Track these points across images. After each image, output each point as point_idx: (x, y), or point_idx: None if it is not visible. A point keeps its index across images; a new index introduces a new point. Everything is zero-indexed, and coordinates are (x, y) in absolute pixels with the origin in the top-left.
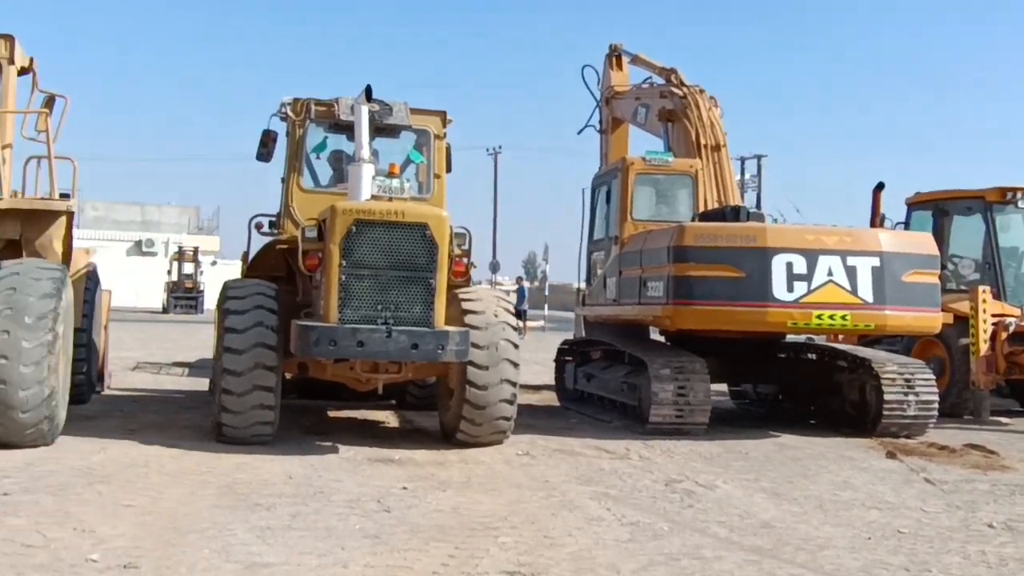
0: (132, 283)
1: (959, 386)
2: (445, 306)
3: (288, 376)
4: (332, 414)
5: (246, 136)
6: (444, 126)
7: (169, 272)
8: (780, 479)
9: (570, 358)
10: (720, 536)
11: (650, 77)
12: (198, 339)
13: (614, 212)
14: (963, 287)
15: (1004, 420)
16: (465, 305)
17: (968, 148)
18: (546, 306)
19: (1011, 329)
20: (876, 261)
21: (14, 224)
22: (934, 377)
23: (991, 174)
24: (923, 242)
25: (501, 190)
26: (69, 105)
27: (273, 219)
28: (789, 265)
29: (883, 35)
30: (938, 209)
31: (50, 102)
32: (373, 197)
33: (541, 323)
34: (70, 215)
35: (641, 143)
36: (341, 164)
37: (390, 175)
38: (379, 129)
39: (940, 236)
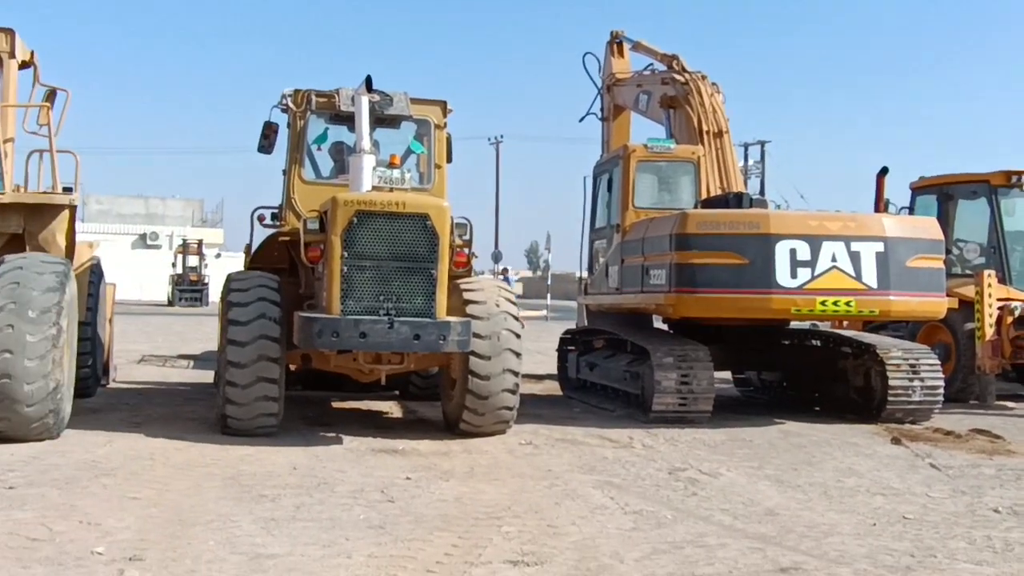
0: (137, 276)
1: (965, 371)
2: (447, 296)
3: (292, 368)
4: (335, 405)
5: (248, 128)
6: (444, 116)
7: (174, 265)
8: (784, 466)
9: (573, 347)
10: (724, 524)
11: (651, 64)
12: (203, 331)
13: (616, 200)
14: (968, 271)
15: (1010, 405)
16: (467, 295)
17: (974, 131)
18: (548, 295)
19: (1016, 313)
20: (880, 246)
21: (17, 218)
22: (939, 362)
23: (1000, 157)
24: (928, 227)
25: (503, 180)
26: (70, 99)
27: (275, 211)
28: (793, 251)
29: (885, 17)
30: (942, 193)
31: (51, 96)
32: (374, 188)
33: (544, 312)
34: (72, 209)
35: (643, 130)
36: (342, 155)
37: (391, 166)
38: (380, 120)
39: (945, 221)
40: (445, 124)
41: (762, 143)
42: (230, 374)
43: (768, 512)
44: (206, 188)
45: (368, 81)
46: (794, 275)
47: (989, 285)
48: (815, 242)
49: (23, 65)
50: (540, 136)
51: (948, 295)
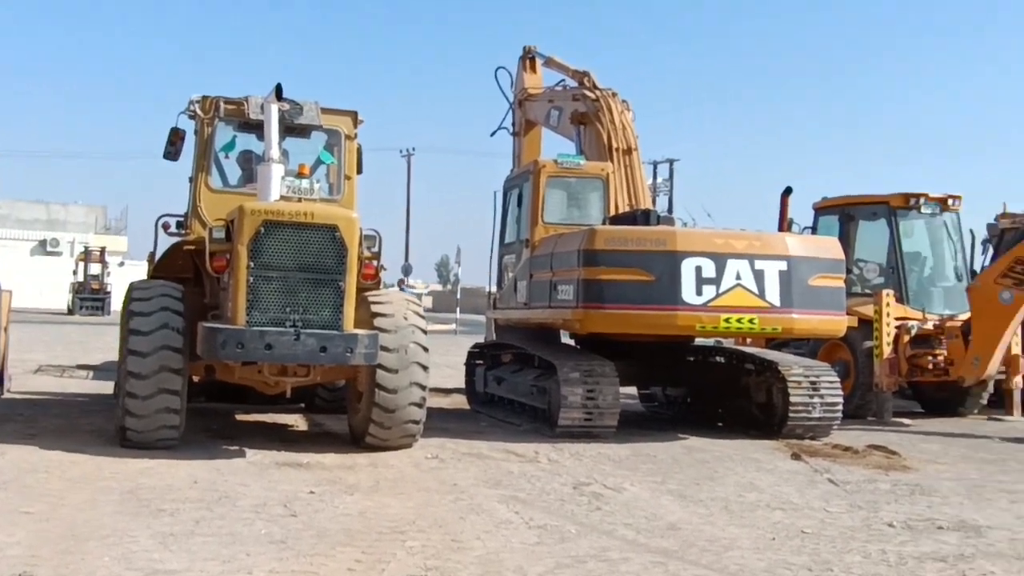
0: (36, 283)
1: (863, 388)
2: (354, 309)
3: (195, 379)
4: (239, 417)
5: (155, 134)
6: (355, 126)
7: (75, 272)
8: (687, 481)
9: (480, 361)
10: (627, 538)
11: (563, 80)
12: (104, 341)
13: (525, 215)
14: (868, 291)
15: (906, 421)
16: (375, 308)
17: (877, 152)
18: (458, 309)
19: (913, 333)
20: (783, 265)
21: None
22: (839, 379)
23: (901, 178)
24: (829, 246)
25: (414, 192)
26: None
27: (181, 219)
28: (698, 269)
29: (796, 35)
30: (844, 214)
31: None
32: (282, 198)
33: (453, 326)
34: None
35: (554, 146)
36: (250, 164)
37: (300, 176)
38: (289, 129)
39: (846, 241)
40: (356, 135)
41: (671, 161)
42: (130, 385)
43: (670, 527)
44: (110, 194)
45: (278, 89)
46: (699, 292)
47: (887, 304)
48: (720, 260)
49: None
50: (452, 149)
51: (848, 314)
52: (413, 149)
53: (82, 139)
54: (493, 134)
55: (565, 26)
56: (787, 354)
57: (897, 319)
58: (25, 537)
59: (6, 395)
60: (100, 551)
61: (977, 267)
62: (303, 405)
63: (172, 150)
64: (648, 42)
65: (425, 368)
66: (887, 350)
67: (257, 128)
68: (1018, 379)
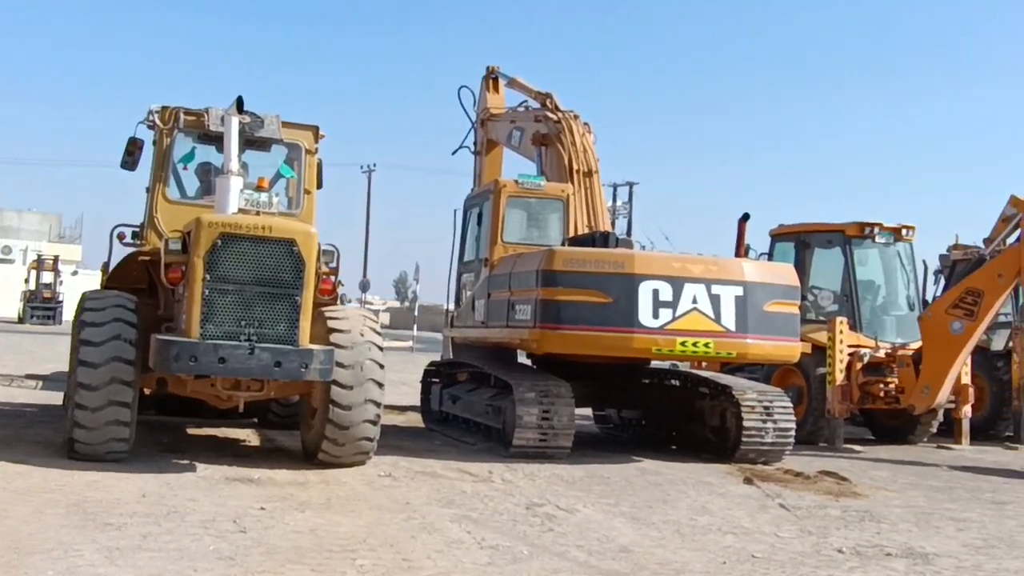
0: None
1: (815, 414)
2: (311, 324)
3: (146, 391)
4: (191, 431)
5: (113, 143)
6: (316, 141)
7: (27, 281)
8: (640, 504)
9: (437, 379)
10: (579, 560)
11: (526, 101)
12: (54, 351)
13: (485, 234)
14: (822, 318)
15: (857, 448)
16: (331, 323)
17: (829, 181)
18: (415, 326)
19: (866, 360)
20: (740, 290)
21: None
22: (792, 405)
23: (856, 207)
24: (785, 273)
25: (374, 208)
26: None
27: (137, 229)
28: (655, 292)
29: (756, 61)
30: (800, 241)
31: None
32: (240, 211)
33: (410, 344)
34: None
35: (515, 166)
36: (209, 176)
37: (259, 189)
38: (249, 142)
39: (801, 267)
40: (316, 149)
41: (631, 184)
42: (80, 396)
43: (622, 549)
44: (65, 203)
45: (239, 102)
46: (656, 315)
47: (841, 332)
48: (677, 283)
49: None
50: (413, 166)
51: (802, 340)
52: (374, 165)
53: (38, 146)
54: (455, 152)
55: (528, 47)
56: (741, 379)
57: (850, 346)
58: None
59: None
60: (44, 565)
61: (929, 297)
62: (256, 420)
63: (130, 160)
64: (612, 66)
65: (380, 385)
66: (840, 377)
67: (217, 140)
68: (967, 408)
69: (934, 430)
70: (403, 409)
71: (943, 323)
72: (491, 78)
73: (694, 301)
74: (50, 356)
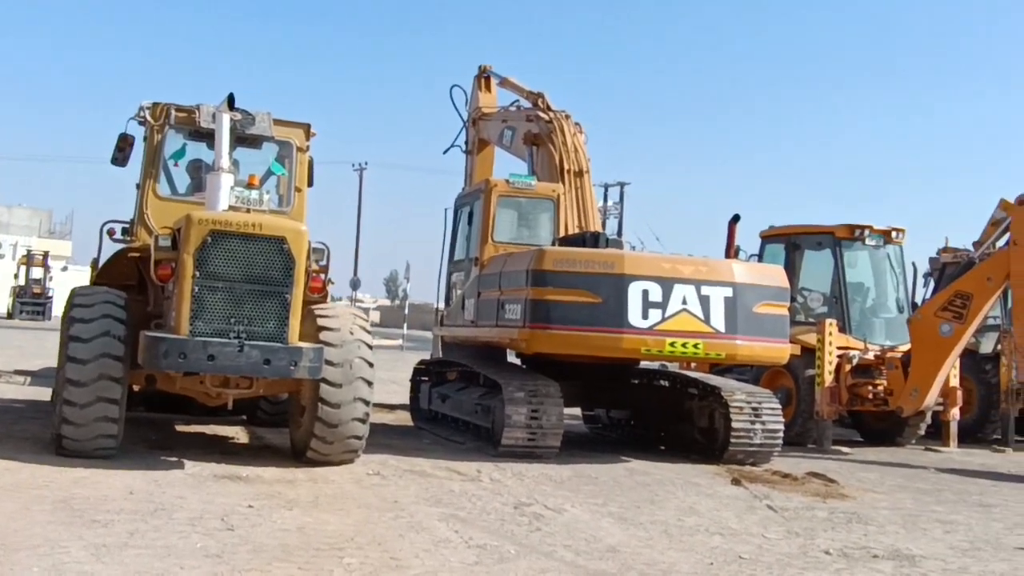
0: None
1: (804, 416)
2: (300, 322)
3: (135, 388)
4: (180, 428)
5: (105, 139)
6: (308, 139)
7: (16, 276)
8: (628, 504)
9: (426, 378)
10: (566, 560)
11: (517, 100)
12: (43, 347)
13: (475, 233)
14: (811, 320)
15: (845, 449)
16: (321, 322)
17: (825, 183)
18: (405, 325)
19: (854, 362)
20: (729, 292)
21: None
22: (780, 406)
23: (847, 209)
24: (774, 274)
25: (365, 207)
26: None
27: (127, 226)
28: (645, 292)
29: (749, 63)
30: (790, 243)
31: None
32: (231, 208)
33: (400, 342)
34: None
35: (506, 166)
36: (199, 173)
37: (249, 186)
38: (241, 139)
39: (791, 269)
40: (308, 147)
41: (622, 184)
42: (68, 392)
43: (610, 549)
44: (56, 198)
45: (230, 99)
46: (645, 316)
47: (830, 334)
48: (667, 284)
49: None
50: (405, 165)
51: (791, 342)
52: (366, 164)
53: (29, 142)
54: (446, 152)
55: (521, 47)
56: (730, 380)
57: (839, 348)
58: None
59: None
60: (30, 561)
61: (919, 300)
62: (244, 417)
63: (121, 156)
64: (608, 66)
65: (370, 383)
66: (828, 379)
67: (208, 137)
68: (955, 411)
69: (922, 432)
70: (392, 408)
71: (932, 326)
72: (483, 77)
73: (683, 302)
74: (39, 352)
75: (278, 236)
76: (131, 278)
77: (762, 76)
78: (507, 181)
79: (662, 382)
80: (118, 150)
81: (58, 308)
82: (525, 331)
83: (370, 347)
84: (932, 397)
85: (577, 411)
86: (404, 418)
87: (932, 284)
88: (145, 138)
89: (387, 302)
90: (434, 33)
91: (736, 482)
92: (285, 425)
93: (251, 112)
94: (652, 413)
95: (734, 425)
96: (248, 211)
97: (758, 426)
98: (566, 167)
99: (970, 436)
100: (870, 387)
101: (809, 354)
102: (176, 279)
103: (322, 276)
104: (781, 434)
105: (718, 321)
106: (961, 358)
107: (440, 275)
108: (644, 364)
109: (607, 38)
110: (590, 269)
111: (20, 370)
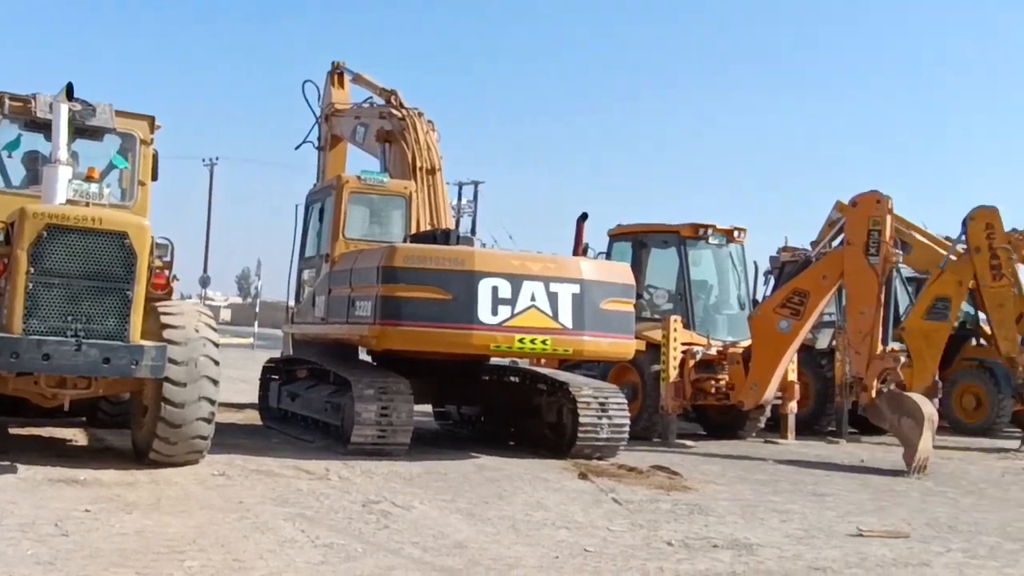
0: None
1: (650, 410)
2: (143, 319)
3: None
4: (13, 431)
5: None
6: (152, 131)
7: None
8: (476, 500)
9: (276, 376)
10: (413, 557)
11: (371, 97)
12: None
13: (327, 230)
14: (657, 316)
15: (689, 443)
16: (164, 319)
17: (671, 182)
18: (256, 323)
19: (698, 358)
20: (576, 288)
21: None
22: (627, 401)
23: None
24: (621, 271)
25: (218, 203)
26: None
27: None
28: (495, 289)
29: (605, 62)
30: (637, 241)
31: None
32: (69, 201)
33: (251, 340)
34: None
35: (359, 162)
36: (36, 165)
37: (89, 179)
38: (80, 130)
39: (638, 267)
40: (152, 140)
41: (476, 183)
42: None
43: (457, 545)
44: None
45: (69, 88)
46: (495, 312)
47: (675, 330)
48: (516, 281)
49: None
50: (257, 160)
51: (637, 338)
52: (216, 159)
53: None
54: (298, 147)
55: (375, 44)
56: (578, 375)
57: (683, 344)
58: None
59: None
60: None
61: (759, 297)
62: (84, 419)
63: None
64: (458, 65)
65: (215, 382)
66: (673, 374)
67: (45, 128)
68: (793, 404)
69: (762, 425)
70: (241, 407)
71: (771, 322)
72: (336, 73)
73: (532, 298)
74: None
75: (119, 231)
76: None
77: (616, 78)
78: (359, 178)
79: (512, 378)
80: None
81: None
82: (376, 328)
83: (216, 345)
84: (771, 391)
85: (428, 407)
86: (253, 417)
87: (772, 282)
88: None
89: (239, 300)
90: (290, 26)
91: (583, 476)
92: (127, 426)
93: (91, 103)
94: (502, 409)
95: (581, 420)
96: (87, 205)
97: (605, 421)
98: (419, 164)
99: (807, 428)
100: (713, 382)
101: (655, 350)
102: (9, 275)
103: (166, 272)
104: (627, 429)
105: (566, 317)
106: (799, 353)
107: (291, 272)
108: (495, 360)
109: (462, 38)
110: (440, 266)
111: None
